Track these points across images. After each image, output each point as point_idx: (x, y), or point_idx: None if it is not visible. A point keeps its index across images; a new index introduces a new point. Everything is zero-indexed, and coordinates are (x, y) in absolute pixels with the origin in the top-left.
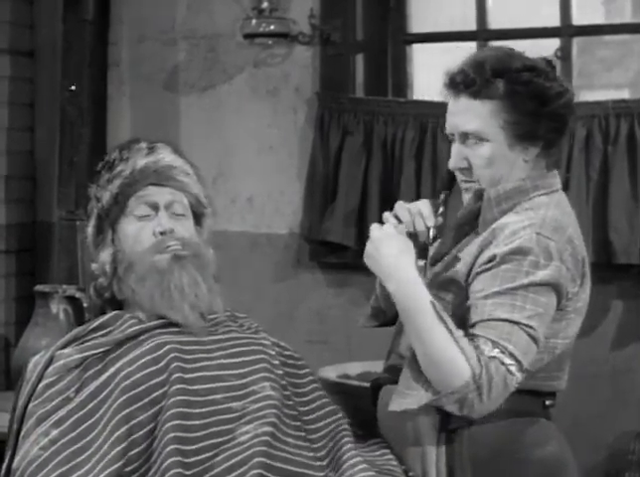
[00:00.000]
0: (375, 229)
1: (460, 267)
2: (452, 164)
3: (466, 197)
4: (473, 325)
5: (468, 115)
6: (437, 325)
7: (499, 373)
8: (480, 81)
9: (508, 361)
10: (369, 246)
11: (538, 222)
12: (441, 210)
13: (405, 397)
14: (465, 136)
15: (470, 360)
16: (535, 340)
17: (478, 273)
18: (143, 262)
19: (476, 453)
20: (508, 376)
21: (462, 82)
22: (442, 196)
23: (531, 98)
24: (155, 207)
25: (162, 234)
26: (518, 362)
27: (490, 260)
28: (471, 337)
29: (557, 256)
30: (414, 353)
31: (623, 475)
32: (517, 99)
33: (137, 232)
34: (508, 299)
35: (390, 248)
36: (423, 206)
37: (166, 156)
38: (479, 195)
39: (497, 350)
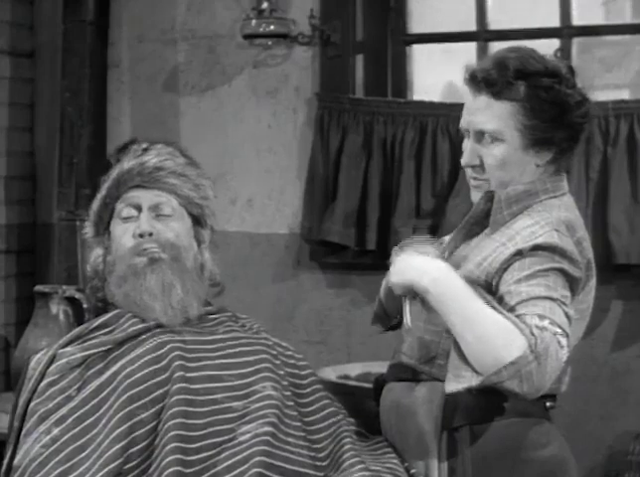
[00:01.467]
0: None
1: (473, 269)
2: (465, 161)
3: (475, 194)
4: (513, 308)
5: (486, 114)
6: (485, 305)
7: (553, 342)
8: (502, 82)
9: (558, 330)
10: (397, 264)
11: (554, 221)
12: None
13: (460, 379)
14: (481, 135)
15: (524, 330)
16: (569, 319)
17: (505, 269)
18: (122, 265)
19: (478, 453)
20: (559, 347)
21: (483, 81)
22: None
23: (551, 105)
24: (138, 208)
25: (141, 236)
26: (565, 333)
27: (515, 255)
28: (517, 316)
29: (575, 254)
30: (458, 344)
31: (623, 476)
32: (537, 104)
33: (121, 233)
34: (541, 280)
35: (417, 256)
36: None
37: (154, 158)
38: (489, 196)
39: (547, 321)
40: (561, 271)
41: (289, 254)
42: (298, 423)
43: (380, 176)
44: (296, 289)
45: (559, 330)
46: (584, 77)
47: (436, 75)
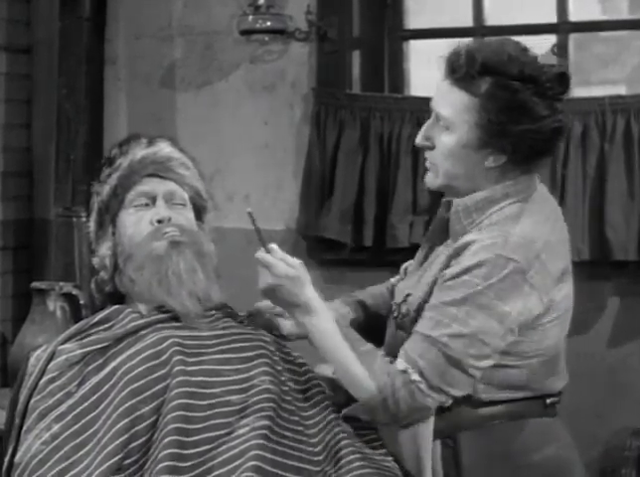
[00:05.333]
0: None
1: (425, 288)
2: (418, 140)
3: (427, 177)
4: (409, 334)
5: (445, 99)
6: (341, 345)
7: (406, 387)
8: (464, 72)
9: (415, 377)
10: (284, 281)
11: (500, 241)
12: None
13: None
14: (438, 118)
15: (372, 373)
16: (451, 360)
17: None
18: (141, 251)
19: (471, 460)
20: (417, 392)
21: (450, 66)
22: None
23: (505, 109)
24: (153, 197)
25: (159, 222)
26: (426, 380)
27: (442, 276)
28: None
29: (513, 279)
30: None
31: (619, 472)
32: (493, 105)
33: (136, 222)
34: (437, 314)
35: (302, 290)
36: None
37: (165, 148)
38: (448, 206)
39: (407, 364)
40: (467, 304)
41: (286, 251)
42: (296, 418)
43: (376, 172)
44: None
45: (415, 377)
46: (581, 72)
47: (433, 70)
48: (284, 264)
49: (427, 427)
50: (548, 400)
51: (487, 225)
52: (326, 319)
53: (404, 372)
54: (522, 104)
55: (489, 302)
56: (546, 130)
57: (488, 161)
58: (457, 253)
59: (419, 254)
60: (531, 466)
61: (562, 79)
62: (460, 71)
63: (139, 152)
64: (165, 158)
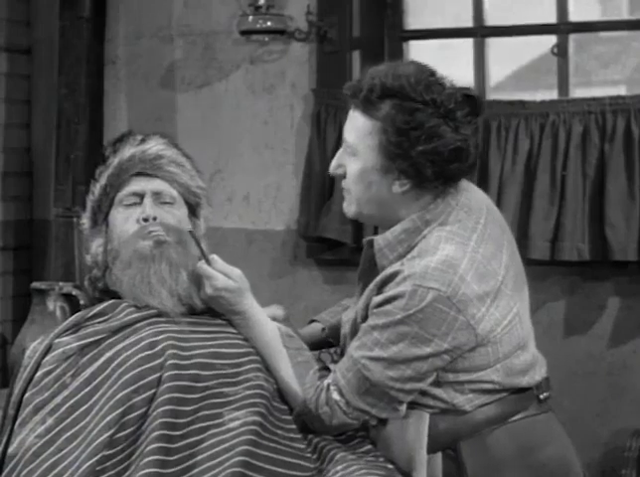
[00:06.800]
0: (220, 279)
1: (355, 317)
2: (330, 168)
3: (344, 204)
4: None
5: (349, 124)
6: (278, 354)
7: (329, 403)
8: (364, 96)
9: (335, 396)
10: (223, 296)
11: (419, 271)
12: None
13: None
14: (346, 144)
15: (302, 385)
16: (369, 381)
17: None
18: (127, 250)
19: (476, 467)
20: (337, 410)
21: (353, 91)
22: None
23: (403, 131)
24: (141, 196)
25: (145, 220)
26: (345, 398)
27: (372, 302)
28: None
29: (434, 307)
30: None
31: (620, 472)
32: (392, 127)
33: (124, 220)
34: (363, 336)
35: (233, 298)
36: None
37: (154, 146)
38: (370, 244)
39: (331, 381)
40: (388, 330)
41: (286, 251)
42: (288, 417)
43: None
44: (293, 286)
45: (335, 395)
46: (581, 73)
47: None
48: (223, 277)
49: (421, 425)
50: (541, 396)
51: (410, 257)
52: (263, 328)
53: (327, 388)
54: (419, 125)
55: (410, 330)
56: (442, 151)
57: (395, 186)
58: (384, 283)
59: (356, 290)
60: (538, 465)
61: (469, 102)
62: (361, 95)
63: (128, 151)
64: (153, 156)
